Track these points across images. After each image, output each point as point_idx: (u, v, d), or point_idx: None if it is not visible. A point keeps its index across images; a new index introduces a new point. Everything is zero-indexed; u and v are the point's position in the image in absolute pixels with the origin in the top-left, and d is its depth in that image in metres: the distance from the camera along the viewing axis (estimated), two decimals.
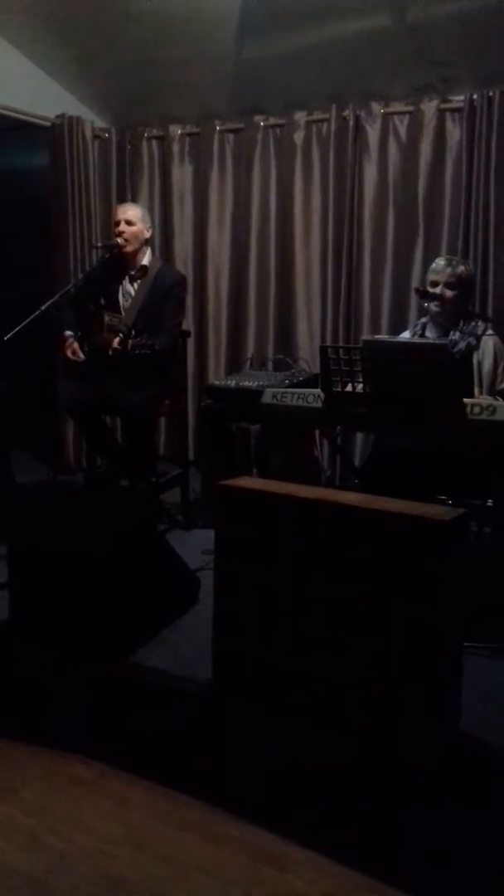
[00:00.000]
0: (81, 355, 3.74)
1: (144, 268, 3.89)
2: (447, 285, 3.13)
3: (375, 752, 2.02)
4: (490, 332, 3.12)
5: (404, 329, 3.81)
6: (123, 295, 3.92)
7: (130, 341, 3.47)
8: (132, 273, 3.91)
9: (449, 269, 3.14)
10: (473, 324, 3.16)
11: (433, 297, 3.14)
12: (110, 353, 3.57)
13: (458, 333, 3.13)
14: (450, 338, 3.12)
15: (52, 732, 2.13)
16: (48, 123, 4.88)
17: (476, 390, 3.02)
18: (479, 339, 3.10)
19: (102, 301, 3.92)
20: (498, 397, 3.00)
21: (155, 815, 1.81)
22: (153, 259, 3.99)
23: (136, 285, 3.89)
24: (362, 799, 1.90)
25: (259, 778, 1.97)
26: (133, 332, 3.53)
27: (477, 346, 3.10)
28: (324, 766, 2.02)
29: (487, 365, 3.09)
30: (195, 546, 3.54)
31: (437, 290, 3.13)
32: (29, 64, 4.67)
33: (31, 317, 3.46)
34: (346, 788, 1.94)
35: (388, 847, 1.73)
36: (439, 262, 3.22)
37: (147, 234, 3.92)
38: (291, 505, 2.20)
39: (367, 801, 1.89)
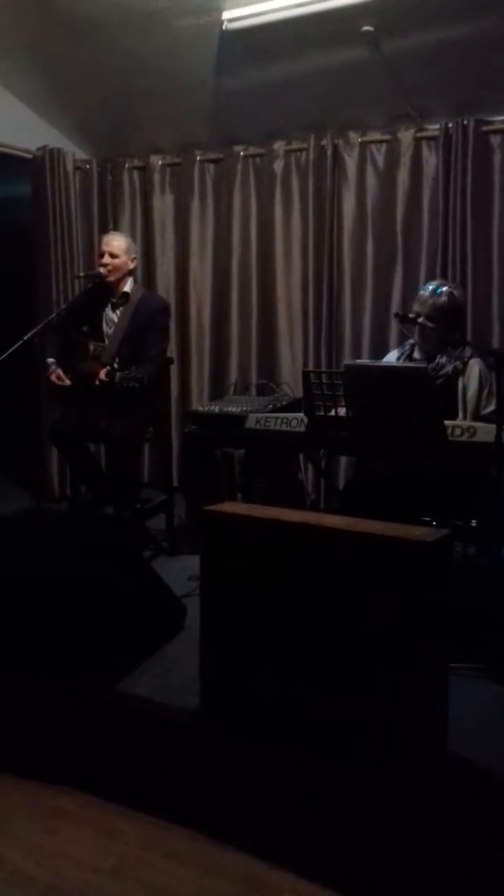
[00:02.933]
0: (67, 380, 3.75)
1: (126, 295, 3.91)
2: (428, 317, 3.08)
3: (364, 776, 2.01)
4: (476, 356, 3.13)
5: (385, 352, 3.84)
6: (107, 322, 3.94)
7: (118, 374, 3.46)
8: (114, 301, 3.93)
9: (430, 301, 3.09)
10: (461, 348, 3.17)
11: (413, 322, 3.14)
12: (97, 383, 3.58)
13: (444, 357, 3.14)
14: (436, 361, 3.14)
15: (38, 763, 2.10)
16: (29, 155, 4.93)
17: (461, 414, 3.05)
18: (465, 363, 3.12)
19: (86, 329, 3.94)
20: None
21: (142, 846, 1.79)
22: (135, 286, 4.01)
23: (118, 312, 3.91)
24: (352, 824, 1.88)
25: (247, 806, 1.95)
26: (117, 361, 3.54)
27: (463, 371, 3.11)
28: (313, 792, 2.00)
29: (472, 389, 3.09)
30: (181, 572, 3.54)
31: (420, 319, 3.10)
32: (10, 97, 4.72)
33: (15, 346, 3.47)
34: (335, 814, 1.92)
35: (379, 872, 1.72)
36: (424, 292, 3.17)
37: (131, 266, 3.95)
38: (276, 529, 2.21)
39: (357, 826, 1.87)
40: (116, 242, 3.90)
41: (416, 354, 3.28)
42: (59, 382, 3.75)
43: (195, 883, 1.67)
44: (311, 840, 1.82)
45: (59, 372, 3.76)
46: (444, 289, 3.14)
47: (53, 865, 1.71)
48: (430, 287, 3.19)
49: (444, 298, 3.09)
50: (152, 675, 2.69)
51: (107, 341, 3.86)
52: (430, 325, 3.09)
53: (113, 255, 3.85)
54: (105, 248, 3.88)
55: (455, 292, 3.18)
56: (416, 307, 3.16)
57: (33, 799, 1.95)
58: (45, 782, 2.01)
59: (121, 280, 3.91)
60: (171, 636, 2.95)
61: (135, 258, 4.01)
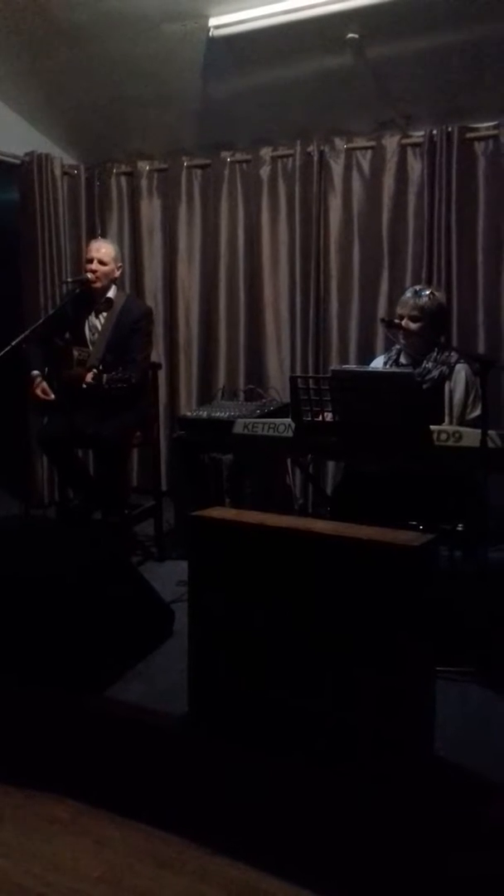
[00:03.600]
0: (52, 395, 3.75)
1: (109, 300, 3.91)
2: (411, 318, 3.11)
3: (352, 781, 2.02)
4: (462, 361, 3.15)
5: (372, 358, 3.86)
6: (90, 328, 3.94)
7: (105, 376, 3.47)
8: (97, 306, 3.93)
9: (412, 301, 3.12)
10: (447, 353, 3.19)
11: (398, 327, 3.17)
12: (84, 386, 3.58)
13: (431, 362, 3.16)
14: (423, 366, 3.16)
15: (27, 771, 2.10)
16: (17, 161, 4.93)
17: (447, 419, 3.07)
18: (451, 368, 3.14)
19: (68, 335, 3.93)
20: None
21: (132, 853, 1.79)
22: (118, 292, 4.02)
23: (101, 318, 3.91)
24: (340, 829, 1.89)
25: (237, 812, 1.96)
26: (102, 367, 3.54)
27: (449, 376, 3.13)
28: (302, 798, 2.01)
29: (459, 394, 3.10)
30: (169, 578, 3.54)
31: (403, 322, 3.13)
32: None
33: (2, 353, 3.46)
34: (324, 820, 1.93)
35: (369, 877, 1.73)
36: (406, 294, 3.22)
37: (117, 273, 3.96)
38: (264, 534, 2.22)
39: (346, 831, 1.88)
40: (105, 249, 3.90)
41: (403, 360, 3.30)
42: (44, 397, 3.75)
43: (185, 891, 1.67)
44: (302, 846, 1.82)
45: (45, 386, 3.76)
46: (426, 291, 3.18)
47: (44, 873, 1.71)
48: (412, 290, 3.23)
49: (425, 299, 3.12)
50: (141, 680, 2.69)
51: (91, 347, 3.85)
52: (413, 325, 3.11)
53: (102, 262, 3.85)
54: (94, 254, 3.88)
55: (436, 293, 3.22)
56: (399, 310, 3.18)
57: (23, 807, 1.95)
58: (35, 790, 2.01)
59: (106, 286, 3.91)
60: (160, 642, 2.95)
61: (121, 266, 4.02)
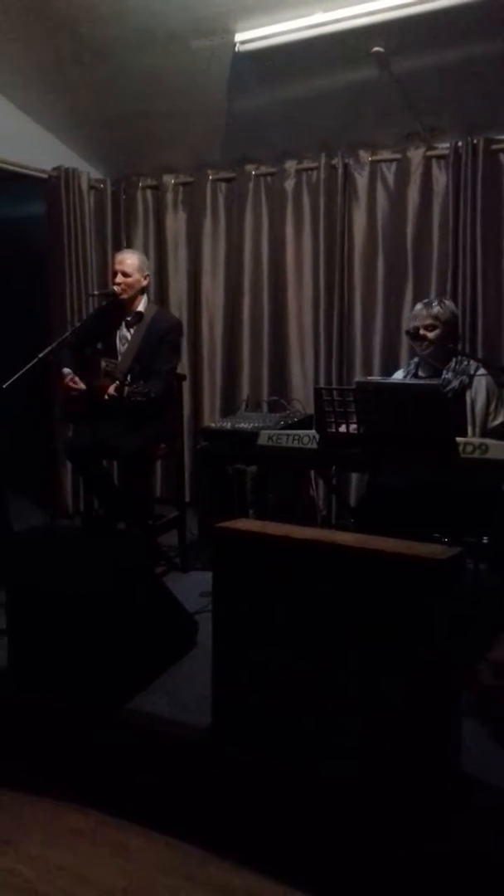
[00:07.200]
0: (82, 384, 3.75)
1: (140, 314, 3.94)
2: (426, 327, 3.22)
3: (377, 795, 2.01)
4: (482, 371, 3.17)
5: (396, 369, 3.86)
6: (120, 340, 3.98)
7: (126, 388, 3.49)
8: (128, 319, 3.96)
9: (425, 311, 3.23)
10: (466, 363, 3.21)
11: (422, 338, 3.22)
12: (106, 398, 3.60)
13: (450, 373, 3.18)
14: (443, 377, 3.17)
15: (51, 781, 2.11)
16: (45, 175, 4.99)
17: (469, 429, 3.06)
18: (471, 378, 3.14)
19: (100, 346, 3.97)
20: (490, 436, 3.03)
21: (155, 865, 1.79)
22: (149, 305, 4.05)
23: (132, 331, 3.94)
24: (366, 843, 1.87)
25: (261, 824, 1.95)
26: (129, 378, 3.56)
27: (469, 385, 3.14)
28: (326, 810, 2.00)
29: (480, 403, 3.13)
30: (193, 588, 3.54)
31: (420, 332, 3.23)
32: (26, 118, 4.80)
33: (30, 364, 3.50)
34: (348, 833, 1.92)
35: (393, 891, 1.71)
36: (416, 308, 3.33)
37: (144, 283, 3.97)
38: (288, 546, 2.22)
39: (371, 845, 1.86)
40: (130, 261, 3.93)
41: (421, 372, 3.32)
42: (74, 386, 3.76)
43: None
44: (325, 858, 1.81)
45: (75, 377, 3.78)
46: (436, 301, 3.31)
47: (67, 885, 1.71)
48: (421, 303, 3.34)
49: (438, 308, 3.24)
50: (165, 692, 2.69)
51: (120, 358, 3.89)
52: (430, 335, 3.19)
53: (125, 274, 3.88)
54: (118, 266, 3.91)
55: (446, 302, 3.34)
56: (413, 324, 3.29)
57: (48, 818, 1.96)
58: (60, 801, 2.01)
59: (134, 298, 3.94)
60: (184, 653, 2.96)
61: (147, 275, 4.02)
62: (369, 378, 4.13)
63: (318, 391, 2.91)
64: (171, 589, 3.11)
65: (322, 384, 4.45)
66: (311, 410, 3.28)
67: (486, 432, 3.07)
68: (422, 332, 3.21)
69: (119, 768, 2.21)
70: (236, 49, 3.93)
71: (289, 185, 4.69)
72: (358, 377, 4.34)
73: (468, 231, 4.15)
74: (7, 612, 2.87)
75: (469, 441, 2.69)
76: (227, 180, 4.92)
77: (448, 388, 3.12)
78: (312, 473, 4.30)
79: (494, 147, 4.13)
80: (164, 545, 4.17)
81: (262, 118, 4.47)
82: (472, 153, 4.12)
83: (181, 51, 4.03)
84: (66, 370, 3.83)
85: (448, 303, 3.35)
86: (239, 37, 3.88)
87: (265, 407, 4.59)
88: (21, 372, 3.44)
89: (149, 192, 5.17)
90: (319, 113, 4.33)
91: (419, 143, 4.34)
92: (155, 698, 2.64)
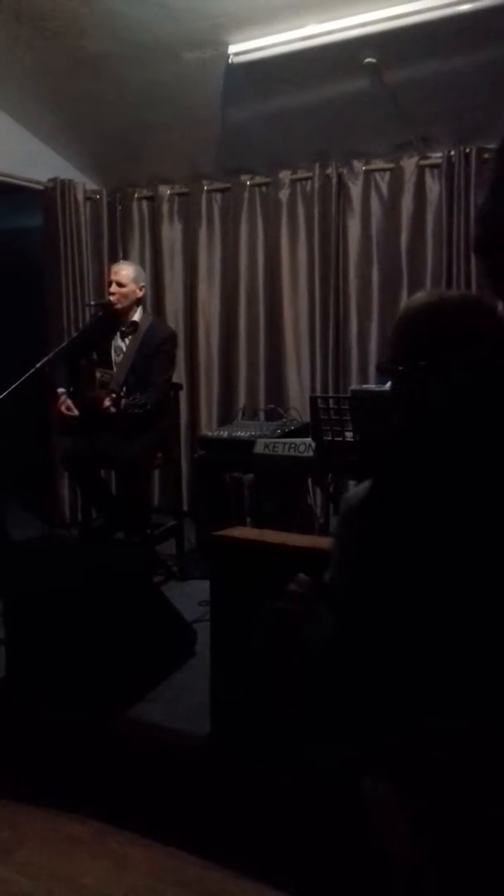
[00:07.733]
0: (75, 411, 3.79)
1: (135, 324, 3.96)
2: None
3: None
4: None
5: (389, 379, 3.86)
6: (115, 350, 3.99)
7: (123, 400, 3.51)
8: (123, 329, 3.98)
9: None
10: None
11: None
12: (102, 410, 3.62)
13: None
14: None
15: (49, 790, 2.11)
16: (41, 187, 5.02)
17: None
18: None
19: (94, 356, 3.99)
20: None
21: (153, 874, 1.79)
22: (144, 315, 4.07)
23: (127, 341, 3.96)
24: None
25: (260, 833, 1.95)
26: (124, 389, 3.58)
27: None
28: (326, 820, 2.00)
29: None
30: (191, 597, 3.54)
31: None
32: (21, 130, 4.82)
33: (27, 374, 3.51)
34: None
35: None
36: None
37: (139, 294, 3.99)
38: (286, 554, 2.22)
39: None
40: (125, 272, 3.95)
41: None
42: (68, 413, 3.79)
43: None
44: (325, 869, 1.81)
45: (69, 403, 3.81)
46: None
47: (64, 893, 1.71)
48: None
49: None
50: (163, 701, 2.69)
51: (115, 369, 3.90)
52: None
53: (120, 284, 3.90)
54: (113, 277, 3.94)
55: None
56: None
57: (46, 827, 1.96)
58: (58, 810, 2.01)
59: (129, 308, 3.96)
60: (182, 662, 2.96)
61: (143, 286, 4.05)
62: (364, 386, 4.14)
63: (314, 400, 2.94)
64: (169, 598, 3.12)
65: (318, 392, 4.47)
66: (307, 419, 3.30)
67: None
68: None
69: (117, 777, 2.21)
70: (230, 61, 3.96)
71: (283, 194, 4.72)
72: (354, 385, 4.35)
73: (462, 239, 4.18)
74: (5, 621, 2.87)
75: None
76: (222, 191, 4.95)
77: None
78: (309, 481, 4.31)
79: (487, 156, 4.15)
80: (162, 554, 4.18)
81: (257, 129, 4.49)
82: (464, 162, 4.15)
83: (175, 63, 4.06)
84: (60, 390, 3.84)
85: None
86: (232, 48, 3.91)
87: (262, 415, 4.60)
88: (18, 382, 3.46)
89: (144, 203, 5.20)
90: (313, 123, 4.36)
91: (412, 153, 4.37)
92: (153, 707, 2.64)
